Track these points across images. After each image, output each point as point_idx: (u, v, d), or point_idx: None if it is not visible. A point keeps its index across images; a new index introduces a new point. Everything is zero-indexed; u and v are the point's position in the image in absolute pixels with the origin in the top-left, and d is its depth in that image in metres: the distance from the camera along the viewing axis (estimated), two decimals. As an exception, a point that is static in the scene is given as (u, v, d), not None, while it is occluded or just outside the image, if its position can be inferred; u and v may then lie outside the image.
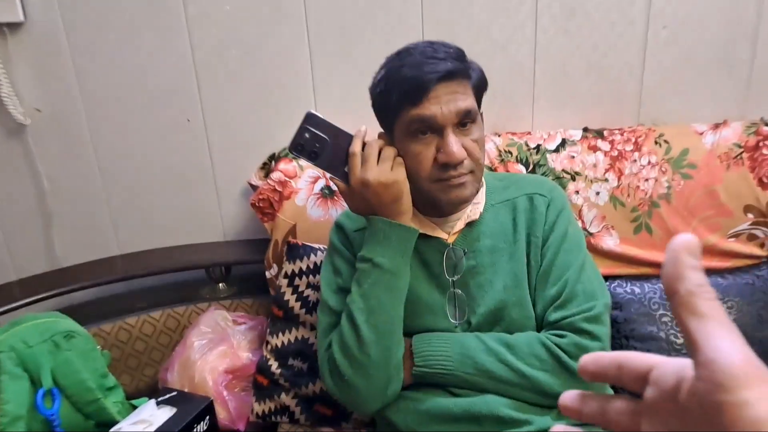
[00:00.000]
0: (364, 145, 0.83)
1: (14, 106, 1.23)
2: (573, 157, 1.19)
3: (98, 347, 1.08)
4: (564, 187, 1.18)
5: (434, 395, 0.86)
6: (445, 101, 0.79)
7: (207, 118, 1.29)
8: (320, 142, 0.82)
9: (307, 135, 0.81)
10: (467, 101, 0.80)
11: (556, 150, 1.19)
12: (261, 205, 1.19)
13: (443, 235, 0.90)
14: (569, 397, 0.34)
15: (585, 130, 1.23)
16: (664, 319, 1.10)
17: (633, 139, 1.20)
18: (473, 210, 0.90)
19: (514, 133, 1.24)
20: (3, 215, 1.34)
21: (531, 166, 1.18)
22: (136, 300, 1.32)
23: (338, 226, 0.96)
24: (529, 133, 1.24)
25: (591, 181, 1.18)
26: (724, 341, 0.25)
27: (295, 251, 1.10)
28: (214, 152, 1.32)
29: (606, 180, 1.18)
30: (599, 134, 1.21)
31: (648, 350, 1.08)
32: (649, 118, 1.29)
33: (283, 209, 1.17)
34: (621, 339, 1.10)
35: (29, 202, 1.33)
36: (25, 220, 1.34)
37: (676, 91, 1.28)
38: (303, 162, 0.86)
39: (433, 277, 0.90)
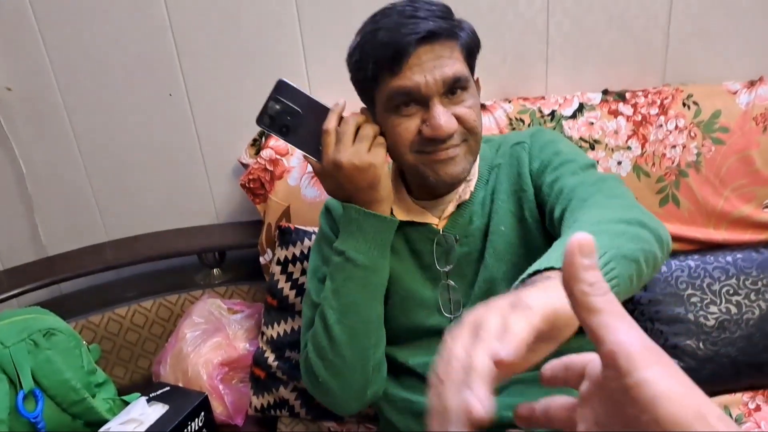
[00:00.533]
0: (341, 120, 0.73)
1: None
2: (592, 123, 1.08)
3: (84, 343, 1.02)
4: (582, 156, 1.08)
5: None
6: (429, 68, 0.68)
7: (190, 92, 1.19)
8: (293, 115, 0.72)
9: (277, 107, 0.72)
10: (455, 66, 0.70)
11: (573, 116, 1.09)
12: (252, 185, 1.10)
13: (433, 221, 0.80)
14: (522, 408, 0.38)
15: (605, 92, 1.12)
16: (693, 299, 1.00)
17: (658, 102, 1.08)
18: (464, 189, 0.79)
19: (526, 99, 1.13)
20: (-20, 203, 1.27)
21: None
22: (126, 288, 1.26)
23: (327, 209, 0.87)
24: (543, 97, 1.13)
25: (612, 149, 1.08)
26: (619, 332, 0.27)
27: (287, 236, 1.02)
28: (200, 128, 1.23)
29: (629, 148, 1.07)
30: (621, 97, 1.10)
31: (676, 333, 0.99)
32: (677, 76, 1.17)
33: (275, 190, 1.09)
34: (645, 322, 1.02)
35: (8, 188, 1.25)
36: (5, 207, 1.27)
37: (707, 45, 1.15)
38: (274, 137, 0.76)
39: (425, 269, 0.81)
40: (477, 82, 0.78)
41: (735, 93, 1.08)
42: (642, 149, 1.07)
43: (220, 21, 1.14)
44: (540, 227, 0.76)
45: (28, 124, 1.20)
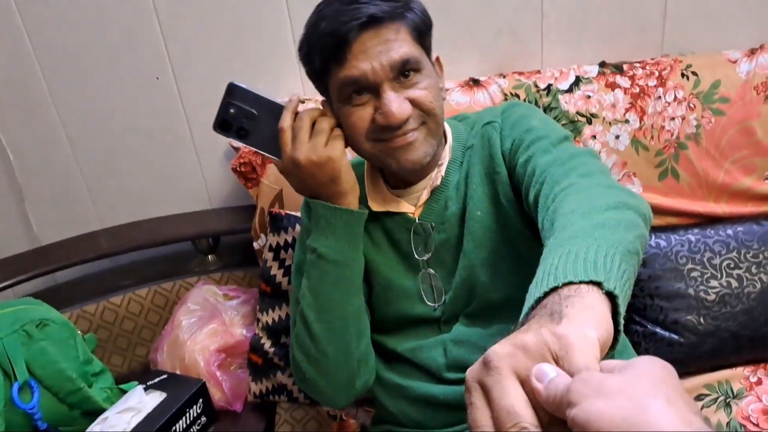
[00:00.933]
0: (296, 117, 0.71)
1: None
2: (589, 96, 1.06)
3: (78, 332, 1.01)
4: (579, 131, 1.05)
5: (423, 382, 0.79)
6: (375, 54, 0.66)
7: (177, 75, 1.16)
8: (248, 118, 0.70)
9: (232, 110, 0.70)
10: (403, 48, 0.67)
11: (570, 90, 1.06)
12: (243, 169, 1.08)
13: (409, 209, 0.79)
14: None
15: (602, 65, 1.09)
16: (693, 274, 0.99)
17: (656, 73, 1.06)
18: (436, 174, 0.77)
19: (521, 73, 1.10)
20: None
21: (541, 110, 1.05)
22: (120, 276, 1.25)
23: (307, 203, 0.85)
24: (539, 72, 1.10)
25: (609, 123, 1.05)
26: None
27: (278, 222, 1.00)
28: (189, 112, 1.20)
29: (626, 121, 1.05)
30: (618, 69, 1.07)
31: (676, 309, 0.98)
32: (675, 47, 1.15)
33: (267, 173, 1.07)
34: (645, 298, 1.00)
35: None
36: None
37: (706, 13, 1.12)
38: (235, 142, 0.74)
39: (405, 258, 0.80)
40: (438, 60, 0.76)
41: (735, 62, 1.06)
42: (640, 122, 1.05)
43: (206, 1, 1.11)
44: (517, 209, 0.74)
45: (14, 111, 1.18)
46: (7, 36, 1.12)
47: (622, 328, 0.42)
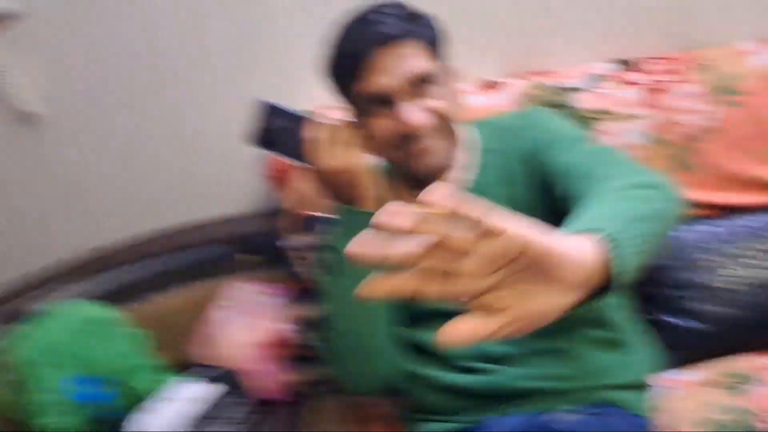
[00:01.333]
0: (319, 127, 0.78)
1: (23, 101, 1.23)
2: (603, 94, 1.08)
3: (133, 330, 1.10)
4: (595, 128, 1.08)
5: (452, 372, 0.84)
6: (392, 70, 0.72)
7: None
8: (284, 132, 0.77)
9: (264, 125, 0.77)
10: (419, 63, 0.73)
11: (583, 88, 1.09)
12: (273, 174, 1.15)
13: None
14: None
15: (615, 62, 1.11)
16: (703, 263, 1.01)
17: (671, 68, 1.08)
18: (456, 176, 0.82)
19: (536, 73, 1.13)
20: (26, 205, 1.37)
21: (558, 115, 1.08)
22: (166, 277, 1.34)
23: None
24: (553, 71, 1.13)
25: (624, 119, 1.08)
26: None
27: (308, 223, 1.06)
28: (221, 116, 1.28)
29: (641, 117, 1.07)
30: (632, 65, 1.10)
31: (686, 297, 0.99)
32: (688, 40, 1.15)
33: (296, 178, 1.13)
34: (653, 287, 1.02)
35: (50, 192, 1.34)
36: (46, 209, 1.36)
37: (720, 5, 1.13)
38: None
39: None
40: (452, 69, 0.81)
41: (750, 53, 1.07)
42: (655, 117, 1.07)
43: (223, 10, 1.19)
44: (534, 210, 0.78)
45: (64, 123, 1.28)
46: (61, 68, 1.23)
47: (619, 268, 0.42)
